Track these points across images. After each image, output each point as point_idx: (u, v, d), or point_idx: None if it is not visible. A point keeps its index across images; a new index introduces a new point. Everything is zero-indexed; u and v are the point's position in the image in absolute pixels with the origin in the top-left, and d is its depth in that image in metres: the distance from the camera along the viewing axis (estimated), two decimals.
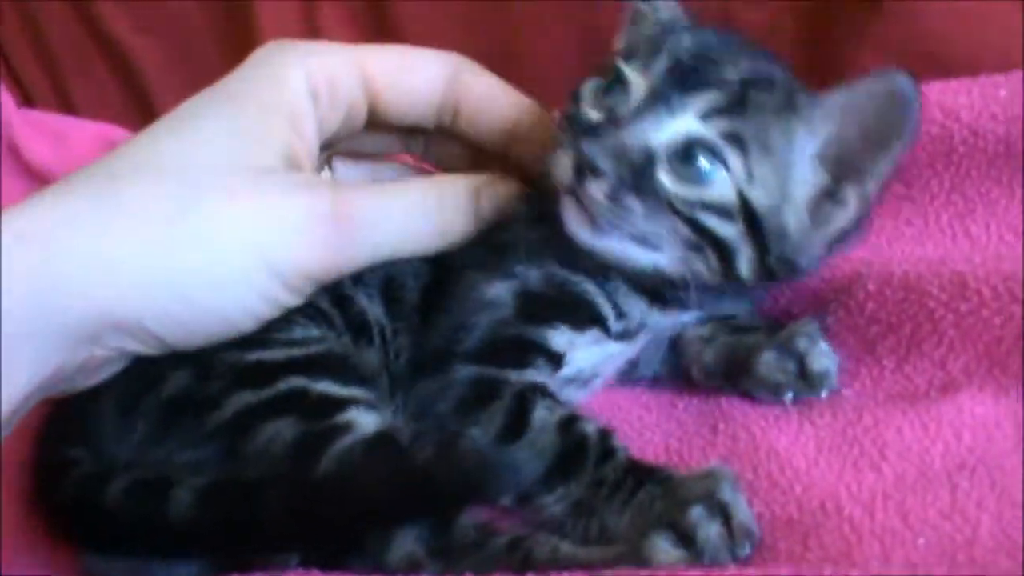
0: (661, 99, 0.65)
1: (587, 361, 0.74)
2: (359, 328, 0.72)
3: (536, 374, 0.70)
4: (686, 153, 0.64)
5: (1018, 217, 0.80)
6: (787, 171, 0.66)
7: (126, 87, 1.36)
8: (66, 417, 0.67)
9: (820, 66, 1.02)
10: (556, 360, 0.72)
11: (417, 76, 0.71)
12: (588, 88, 0.71)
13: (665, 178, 0.65)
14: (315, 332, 0.68)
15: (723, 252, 0.67)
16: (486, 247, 0.72)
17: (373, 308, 0.73)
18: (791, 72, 0.71)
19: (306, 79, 0.66)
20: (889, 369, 0.74)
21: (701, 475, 0.61)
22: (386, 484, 0.58)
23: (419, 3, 1.21)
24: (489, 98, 0.74)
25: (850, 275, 0.81)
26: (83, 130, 1.27)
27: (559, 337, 0.71)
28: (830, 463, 0.65)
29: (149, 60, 1.33)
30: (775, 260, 0.68)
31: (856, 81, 0.66)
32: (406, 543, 0.59)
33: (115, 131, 1.27)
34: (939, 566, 0.55)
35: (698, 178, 0.65)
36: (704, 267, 0.68)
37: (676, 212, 0.65)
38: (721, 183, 0.65)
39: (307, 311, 0.68)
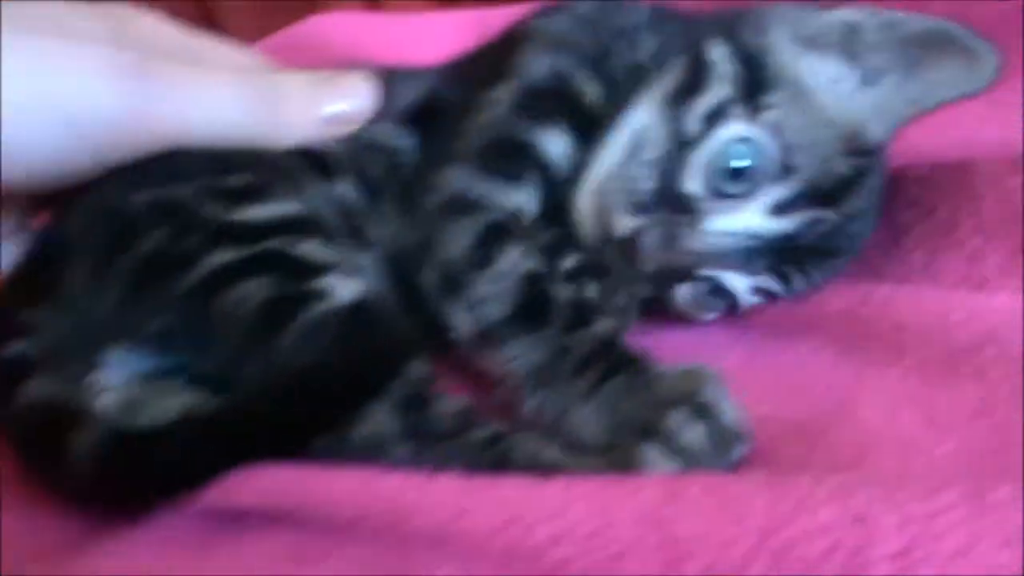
0: (764, 261, 0.62)
1: None
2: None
3: (525, 195, 0.64)
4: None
5: None
6: None
7: None
8: (29, 274, 0.63)
9: None
10: (549, 176, 0.65)
11: None
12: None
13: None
14: (301, 191, 0.63)
15: None
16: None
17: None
18: None
19: None
20: (917, 267, 0.66)
21: (681, 373, 0.55)
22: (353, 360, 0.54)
23: None
24: None
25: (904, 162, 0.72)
26: None
27: (555, 140, 0.65)
28: (849, 359, 0.59)
29: None
30: None
31: None
32: (377, 417, 0.53)
33: None
34: (965, 475, 0.48)
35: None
36: None
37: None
38: None
39: (297, 167, 0.64)
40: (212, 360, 0.58)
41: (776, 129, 0.60)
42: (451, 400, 0.56)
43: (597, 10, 0.72)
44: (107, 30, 0.62)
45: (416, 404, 0.55)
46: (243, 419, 0.53)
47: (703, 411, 0.52)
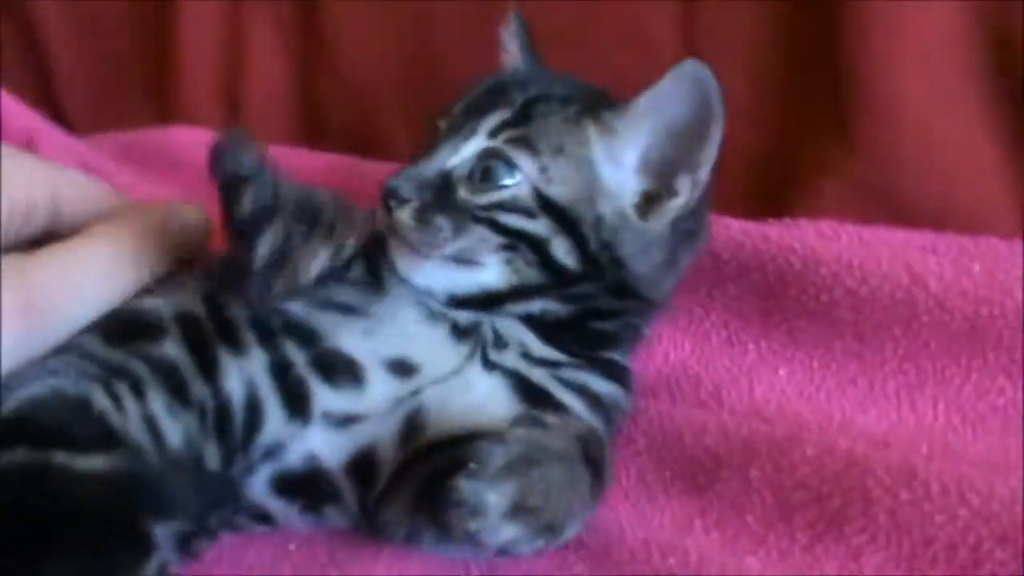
0: (455, 129, 0.74)
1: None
2: None
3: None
4: (484, 168, 0.71)
5: (969, 401, 0.75)
6: (592, 169, 0.72)
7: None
8: None
9: (777, 187, 0.98)
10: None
11: (95, 203, 0.73)
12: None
13: (463, 191, 0.72)
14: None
15: (535, 246, 0.71)
16: None
17: None
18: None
19: (7, 203, 0.65)
20: (800, 545, 0.67)
21: None
22: None
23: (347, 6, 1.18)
24: None
25: (788, 432, 0.75)
26: None
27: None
28: None
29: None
30: (597, 248, 0.72)
31: (654, 84, 0.70)
32: None
33: None
34: None
35: (494, 184, 0.71)
36: (525, 265, 0.72)
37: (479, 219, 0.71)
38: (517, 184, 0.71)
39: None
40: None
41: (519, 140, 0.72)
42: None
43: None
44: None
45: None
46: None
47: None
